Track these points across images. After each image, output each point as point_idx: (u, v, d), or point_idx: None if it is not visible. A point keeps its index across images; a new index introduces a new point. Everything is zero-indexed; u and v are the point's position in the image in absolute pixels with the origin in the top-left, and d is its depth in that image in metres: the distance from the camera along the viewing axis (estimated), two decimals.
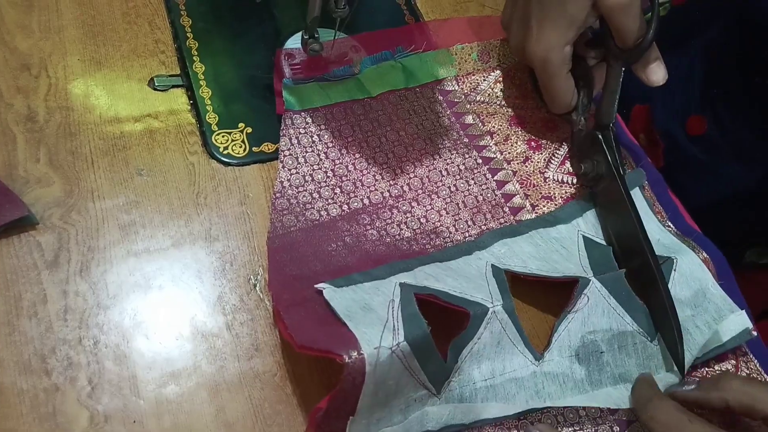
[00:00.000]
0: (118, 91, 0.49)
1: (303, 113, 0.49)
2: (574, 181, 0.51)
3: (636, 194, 0.49)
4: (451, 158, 0.50)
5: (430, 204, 0.48)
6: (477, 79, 0.55)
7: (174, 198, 0.45)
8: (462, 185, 0.49)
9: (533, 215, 0.49)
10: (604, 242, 0.48)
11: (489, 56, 0.56)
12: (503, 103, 0.54)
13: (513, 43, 0.53)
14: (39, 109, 0.47)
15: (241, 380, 0.39)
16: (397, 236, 0.46)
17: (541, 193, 0.50)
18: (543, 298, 0.46)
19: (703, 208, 0.51)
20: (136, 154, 0.46)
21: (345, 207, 0.46)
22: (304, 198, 0.46)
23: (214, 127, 0.49)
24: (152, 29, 0.53)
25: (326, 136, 0.48)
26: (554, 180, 0.51)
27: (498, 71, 0.56)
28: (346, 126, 0.50)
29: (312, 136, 0.48)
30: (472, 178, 0.50)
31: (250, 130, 0.49)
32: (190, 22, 0.54)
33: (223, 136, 0.48)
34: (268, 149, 0.48)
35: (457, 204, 0.48)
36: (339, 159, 0.48)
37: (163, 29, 0.53)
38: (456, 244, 0.46)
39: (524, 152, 0.52)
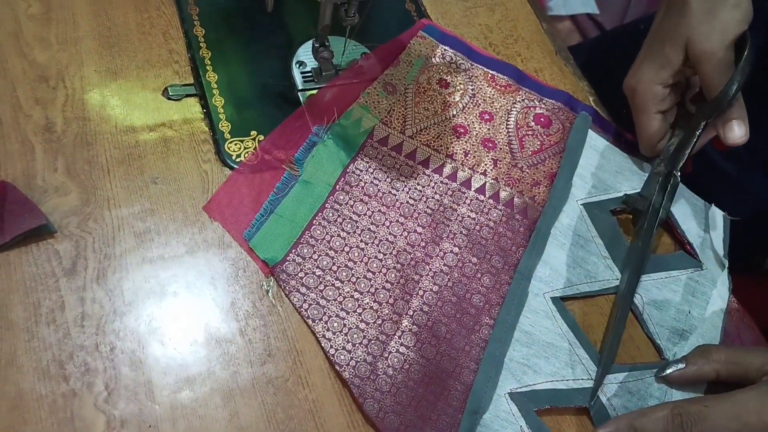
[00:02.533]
0: (133, 101, 0.50)
1: (289, 257, 0.44)
2: (543, 156, 0.52)
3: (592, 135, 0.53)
4: (438, 202, 0.49)
5: (451, 250, 0.47)
6: (400, 111, 0.53)
7: (188, 205, 0.46)
8: (469, 223, 0.48)
9: (538, 209, 0.50)
10: (597, 198, 0.50)
11: (393, 86, 0.54)
12: (436, 120, 0.53)
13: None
14: (57, 119, 0.48)
15: (254, 385, 0.40)
16: (442, 293, 0.45)
17: (528, 183, 0.51)
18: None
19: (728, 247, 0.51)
20: (151, 163, 0.47)
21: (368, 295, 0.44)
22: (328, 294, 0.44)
23: (227, 135, 0.49)
24: (166, 40, 0.54)
25: (319, 259, 0.45)
26: (528, 166, 0.52)
27: (410, 94, 0.54)
28: (332, 238, 0.46)
29: (308, 267, 0.44)
30: (471, 209, 0.49)
31: (262, 137, 0.50)
32: (204, 32, 0.55)
33: (235, 144, 0.49)
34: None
35: (477, 241, 0.48)
36: (344, 267, 0.45)
37: (176, 39, 0.54)
38: (504, 285, 0.46)
39: (488, 155, 0.52)
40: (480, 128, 0.53)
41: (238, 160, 0.48)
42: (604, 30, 1.44)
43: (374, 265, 0.45)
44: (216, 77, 0.52)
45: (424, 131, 0.52)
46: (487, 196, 0.50)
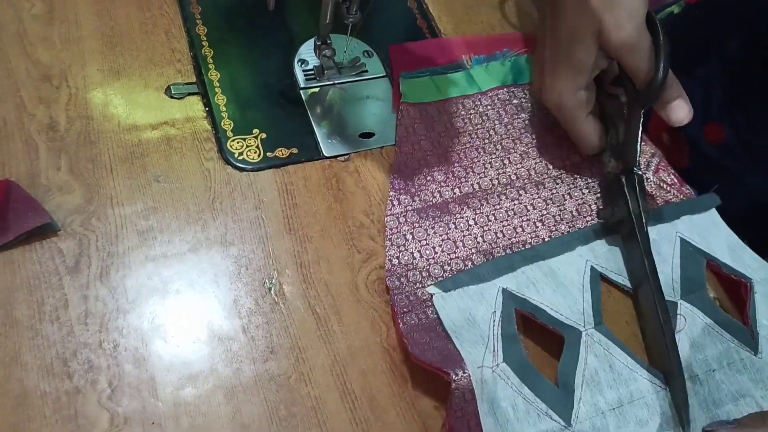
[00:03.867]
0: (136, 100, 0.50)
1: (419, 106, 0.52)
2: (673, 179, 0.51)
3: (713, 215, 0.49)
4: (557, 153, 0.52)
5: (537, 194, 0.49)
6: None
7: (190, 203, 0.46)
8: (567, 179, 0.51)
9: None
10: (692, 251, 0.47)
11: None
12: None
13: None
14: (60, 118, 0.48)
15: (257, 382, 0.40)
16: (505, 222, 0.47)
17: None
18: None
19: (725, 213, 0.51)
20: (154, 161, 0.47)
21: (456, 191, 0.49)
22: (419, 180, 0.49)
23: (230, 134, 0.49)
24: (169, 38, 0.54)
25: (439, 127, 0.51)
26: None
27: None
28: (458, 119, 0.52)
29: (426, 125, 0.51)
30: (578, 174, 0.51)
31: (264, 135, 0.50)
32: (206, 30, 0.55)
33: (238, 142, 0.49)
34: (282, 154, 0.49)
35: (563, 196, 0.50)
36: (451, 147, 0.50)
37: (179, 38, 0.54)
38: (561, 235, 0.47)
39: None
40: None
41: (240, 158, 0.48)
42: None
43: (478, 167, 0.50)
44: (218, 76, 0.52)
45: None
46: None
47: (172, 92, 0.51)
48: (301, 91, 0.53)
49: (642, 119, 0.46)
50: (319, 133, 0.51)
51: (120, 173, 0.46)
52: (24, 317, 0.40)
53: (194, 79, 0.52)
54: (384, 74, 0.56)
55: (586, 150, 0.50)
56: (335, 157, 0.50)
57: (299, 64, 0.55)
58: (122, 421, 0.37)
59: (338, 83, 0.54)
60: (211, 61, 0.53)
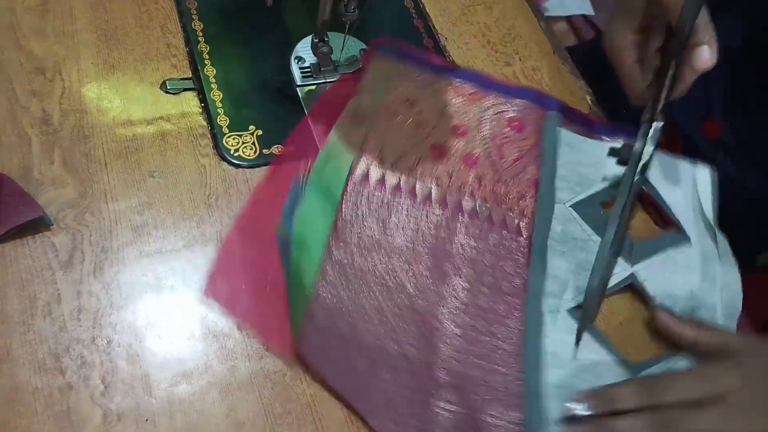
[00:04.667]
0: (131, 95, 0.50)
1: (307, 329, 0.42)
2: (523, 164, 0.51)
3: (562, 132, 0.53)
4: (435, 237, 0.46)
5: (461, 285, 0.45)
6: (374, 140, 0.50)
7: (186, 200, 0.46)
8: (471, 252, 0.46)
9: (528, 224, 0.48)
10: (584, 195, 0.50)
11: (361, 114, 0.51)
12: (412, 142, 0.50)
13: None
14: (53, 112, 0.47)
15: (252, 380, 0.40)
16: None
17: (514, 197, 0.49)
18: None
19: (718, 210, 0.51)
20: (149, 157, 0.47)
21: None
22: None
23: (225, 130, 0.49)
24: (164, 33, 0.53)
25: (336, 327, 0.43)
26: (511, 177, 0.50)
27: (380, 120, 0.51)
28: (344, 302, 0.44)
29: (329, 338, 0.43)
30: (469, 237, 0.47)
31: (260, 132, 0.50)
32: (202, 26, 0.54)
33: (234, 139, 0.49)
34: (278, 151, 0.49)
35: (482, 270, 0.46)
36: (365, 332, 0.43)
37: (174, 33, 0.54)
38: (519, 310, 0.44)
39: (470, 173, 0.50)
40: (457, 144, 0.51)
41: (236, 154, 0.48)
42: (599, 31, 1.45)
43: (393, 322, 0.42)
44: (214, 71, 0.52)
45: (404, 158, 0.49)
46: (481, 219, 0.48)
47: (168, 87, 0.51)
48: (297, 89, 0.53)
49: (671, 71, 0.47)
50: (315, 131, 0.51)
51: (114, 168, 0.46)
52: (16, 312, 0.39)
53: (190, 75, 0.52)
54: None
55: (631, 95, 0.51)
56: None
57: (296, 61, 0.54)
58: (115, 417, 0.37)
59: (335, 81, 0.54)
60: (207, 56, 0.53)
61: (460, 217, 0.48)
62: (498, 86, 0.55)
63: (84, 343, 0.39)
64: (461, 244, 0.46)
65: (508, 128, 0.52)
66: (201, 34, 0.54)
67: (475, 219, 0.48)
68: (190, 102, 0.50)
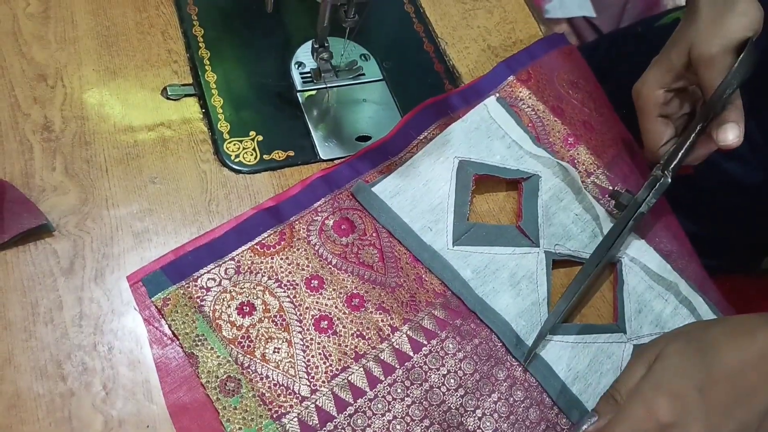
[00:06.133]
0: (132, 101, 0.50)
1: None
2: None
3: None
4: None
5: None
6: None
7: (186, 205, 0.46)
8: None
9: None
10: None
11: None
12: None
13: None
14: (55, 118, 0.47)
15: None
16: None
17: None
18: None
19: (724, 213, 0.51)
20: (150, 163, 0.47)
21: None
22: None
23: (226, 136, 0.49)
24: (165, 39, 0.54)
25: None
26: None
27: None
28: None
29: None
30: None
31: (261, 138, 0.50)
32: (203, 32, 0.55)
33: (234, 144, 0.49)
34: (279, 157, 0.49)
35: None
36: None
37: (175, 39, 0.54)
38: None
39: None
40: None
41: (236, 160, 0.48)
42: (600, 33, 1.45)
43: None
44: (215, 77, 0.52)
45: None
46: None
47: (169, 93, 0.51)
48: (298, 94, 0.53)
49: (694, 135, 0.48)
50: (316, 136, 0.51)
51: (115, 174, 0.46)
52: (18, 319, 0.39)
53: (191, 81, 0.52)
54: (381, 78, 0.56)
55: (647, 153, 0.51)
56: (331, 160, 0.50)
57: (296, 66, 0.55)
58: (117, 424, 0.37)
59: (335, 86, 0.54)
60: (208, 62, 0.53)
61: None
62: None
63: (85, 350, 0.39)
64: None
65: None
66: (202, 40, 0.54)
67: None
68: (190, 108, 0.51)
